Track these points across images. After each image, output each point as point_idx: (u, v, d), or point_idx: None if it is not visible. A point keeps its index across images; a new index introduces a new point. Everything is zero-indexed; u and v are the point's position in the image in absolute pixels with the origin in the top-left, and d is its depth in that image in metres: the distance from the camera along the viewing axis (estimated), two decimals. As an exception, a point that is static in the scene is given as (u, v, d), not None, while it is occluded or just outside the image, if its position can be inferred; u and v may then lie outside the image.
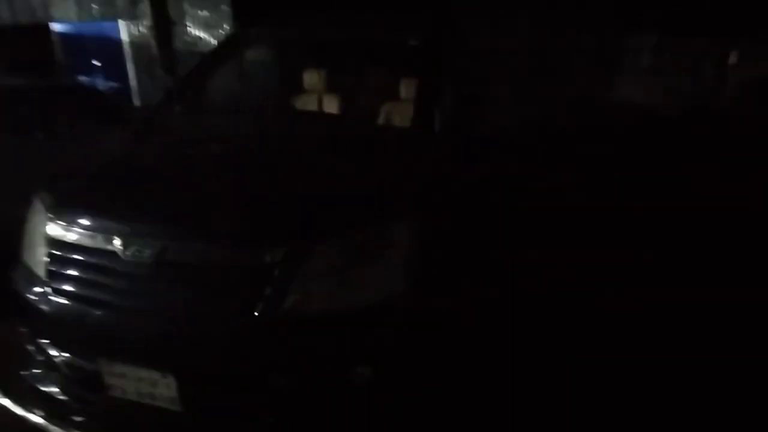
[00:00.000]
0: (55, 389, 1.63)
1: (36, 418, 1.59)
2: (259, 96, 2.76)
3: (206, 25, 6.81)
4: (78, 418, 1.58)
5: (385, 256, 1.47)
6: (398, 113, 2.19)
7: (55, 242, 1.54)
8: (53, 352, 1.60)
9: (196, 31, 6.82)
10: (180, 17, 6.84)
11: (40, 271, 1.55)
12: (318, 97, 2.65)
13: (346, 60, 2.70)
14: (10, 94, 3.78)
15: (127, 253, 1.40)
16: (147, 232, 1.42)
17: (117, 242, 1.42)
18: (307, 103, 2.67)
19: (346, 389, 1.43)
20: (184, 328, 1.36)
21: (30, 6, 7.61)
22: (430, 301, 1.56)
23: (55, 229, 1.54)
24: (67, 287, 1.49)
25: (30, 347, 1.68)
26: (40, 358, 1.65)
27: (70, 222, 1.52)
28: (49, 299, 1.50)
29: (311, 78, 2.65)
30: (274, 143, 1.86)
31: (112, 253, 1.43)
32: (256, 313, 1.33)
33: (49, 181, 1.75)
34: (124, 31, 7.22)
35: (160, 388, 1.43)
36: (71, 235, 1.50)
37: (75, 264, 1.49)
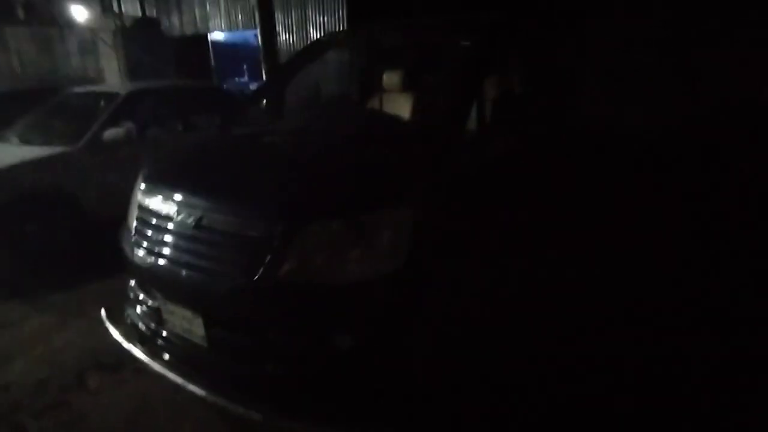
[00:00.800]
0: (140, 322, 2.15)
1: (127, 345, 2.11)
2: (326, 94, 3.07)
3: (326, 30, 7.49)
4: (152, 346, 2.07)
5: (372, 239, 1.65)
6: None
7: (141, 207, 2.03)
8: (139, 294, 2.11)
9: (317, 35, 7.55)
10: (302, 22, 7.66)
11: (132, 229, 2.07)
12: (381, 95, 2.88)
13: (405, 62, 2.88)
14: (156, 93, 4.78)
15: (177, 218, 1.82)
16: (191, 203, 1.81)
17: (172, 208, 1.84)
18: (374, 101, 2.91)
19: (328, 352, 1.65)
20: (206, 281, 1.72)
21: (193, 19, 9.19)
22: (413, 285, 1.69)
23: (141, 197, 2.04)
24: (144, 242, 1.96)
25: (128, 290, 2.22)
26: (133, 297, 2.19)
27: (150, 191, 1.99)
28: (134, 251, 2.00)
29: (380, 77, 2.89)
30: (311, 137, 2.14)
31: (169, 217, 1.85)
32: (255, 277, 1.62)
33: (149, 160, 2.28)
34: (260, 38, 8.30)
35: (194, 326, 1.82)
36: (148, 201, 1.98)
37: (149, 224, 1.96)
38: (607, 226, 2.85)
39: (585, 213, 2.60)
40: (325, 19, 7.37)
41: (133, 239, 2.03)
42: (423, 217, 1.74)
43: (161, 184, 1.97)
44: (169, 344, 1.98)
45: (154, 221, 1.95)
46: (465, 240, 1.85)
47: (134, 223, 2.06)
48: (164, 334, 1.99)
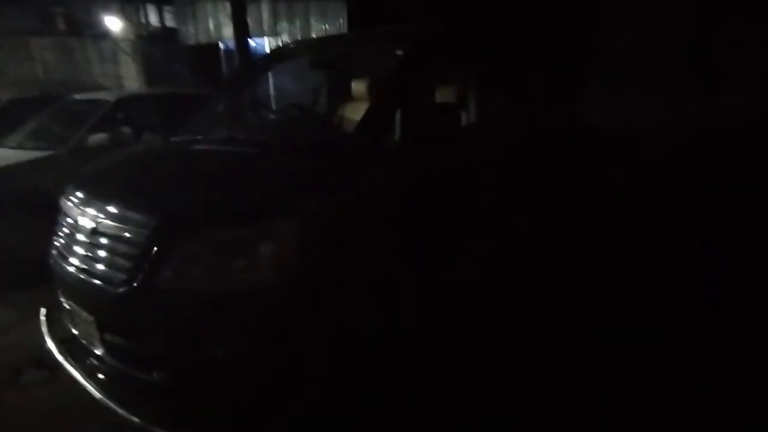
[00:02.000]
0: (67, 325, 2.23)
1: (49, 344, 2.18)
2: (271, 103, 3.11)
3: (329, 37, 7.59)
4: (70, 347, 2.14)
5: (254, 251, 1.65)
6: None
7: (60, 214, 2.12)
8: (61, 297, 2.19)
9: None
10: (306, 30, 7.79)
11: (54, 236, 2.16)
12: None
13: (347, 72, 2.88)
14: (146, 100, 4.97)
15: (79, 224, 1.88)
16: (91, 210, 1.87)
17: (77, 216, 1.91)
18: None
19: (204, 361, 1.66)
20: (98, 286, 1.76)
21: (207, 28, 9.50)
22: (297, 297, 1.68)
23: (61, 204, 2.12)
24: (58, 247, 2.05)
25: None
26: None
27: (66, 199, 2.07)
28: (51, 255, 2.08)
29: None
30: (228, 147, 2.18)
31: (74, 224, 1.93)
32: (135, 284, 1.66)
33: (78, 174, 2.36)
34: (267, 46, 8.50)
35: (92, 330, 1.87)
36: (64, 209, 2.06)
37: (62, 231, 2.04)
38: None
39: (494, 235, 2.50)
40: (327, 26, 7.47)
41: (52, 244, 2.12)
42: (314, 229, 1.74)
43: (73, 193, 2.04)
44: (80, 346, 2.05)
45: (65, 228, 2.03)
46: (361, 254, 1.83)
47: (55, 229, 2.15)
48: (76, 334, 2.06)
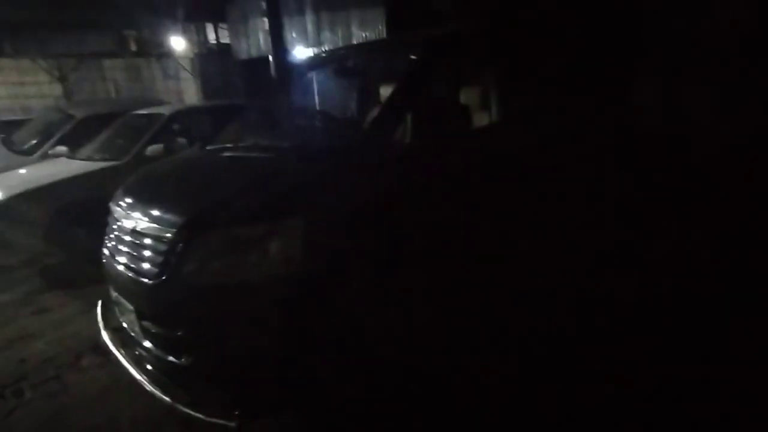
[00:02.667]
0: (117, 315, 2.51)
1: (103, 333, 2.46)
2: (298, 111, 3.28)
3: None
4: (119, 335, 2.41)
5: (264, 247, 1.81)
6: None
7: (110, 217, 2.39)
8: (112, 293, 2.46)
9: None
10: (348, 39, 8.04)
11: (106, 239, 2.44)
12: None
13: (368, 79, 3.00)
14: (197, 112, 5.38)
15: (123, 225, 2.13)
16: (132, 212, 2.11)
17: (122, 217, 2.16)
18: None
19: (224, 347, 1.83)
20: (136, 279, 1.99)
21: (257, 43, 10.05)
22: (305, 289, 1.81)
23: (111, 208, 2.40)
24: (108, 245, 2.32)
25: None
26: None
27: (115, 203, 2.34)
28: (103, 253, 2.36)
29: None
30: (250, 154, 2.37)
31: (120, 225, 2.18)
32: (164, 277, 1.86)
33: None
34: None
35: (133, 318, 2.11)
36: (114, 212, 2.33)
37: (111, 231, 2.31)
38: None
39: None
40: (367, 34, 7.68)
41: (104, 243, 2.40)
42: (322, 228, 1.87)
43: (120, 198, 2.31)
44: (126, 334, 2.31)
45: (113, 229, 2.29)
46: (368, 252, 1.93)
47: (106, 231, 2.43)
48: (124, 324, 2.32)
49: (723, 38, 3.84)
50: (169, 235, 1.89)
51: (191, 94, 10.98)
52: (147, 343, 2.07)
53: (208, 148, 2.73)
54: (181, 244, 1.84)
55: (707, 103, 3.86)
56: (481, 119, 2.60)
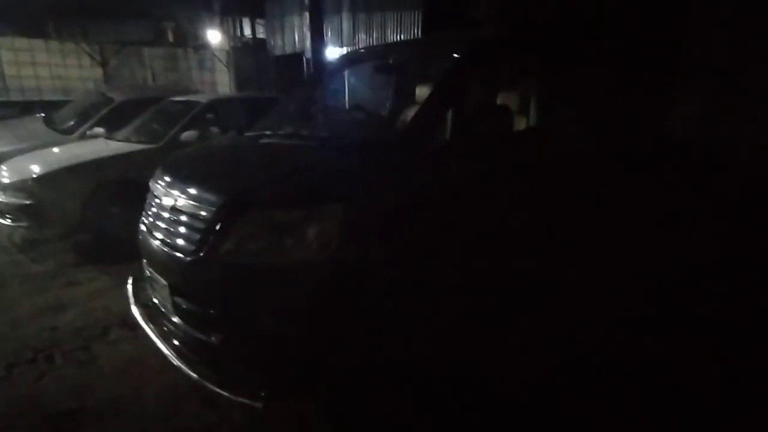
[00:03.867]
0: (147, 290, 2.56)
1: (133, 308, 2.52)
2: (336, 104, 3.31)
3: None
4: (148, 310, 2.46)
5: (302, 231, 1.83)
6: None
7: (149, 194, 2.45)
8: (144, 266, 2.52)
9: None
10: (383, 41, 8.08)
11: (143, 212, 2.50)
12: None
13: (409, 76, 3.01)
14: (232, 102, 5.48)
15: (162, 201, 2.18)
16: (172, 189, 2.16)
17: (162, 194, 2.21)
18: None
19: (257, 328, 1.85)
20: (172, 255, 2.03)
21: (293, 40, 10.20)
22: (339, 274, 1.83)
23: (151, 186, 2.46)
24: (145, 221, 2.37)
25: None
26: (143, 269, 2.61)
27: (155, 181, 2.39)
28: (139, 228, 2.42)
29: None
30: (289, 142, 2.40)
31: (159, 202, 2.23)
32: (201, 254, 1.90)
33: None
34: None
35: (165, 294, 2.15)
36: (153, 189, 2.38)
37: (150, 207, 2.36)
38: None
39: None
40: (402, 36, 7.71)
41: (141, 219, 2.46)
42: (357, 217, 1.88)
43: (160, 175, 2.36)
44: (156, 309, 2.35)
45: (152, 206, 2.34)
46: (398, 241, 1.93)
47: (144, 207, 2.49)
48: (155, 300, 2.37)
49: None
50: (208, 213, 1.92)
51: (225, 85, 11.21)
52: (177, 320, 2.11)
53: (246, 134, 2.78)
54: (220, 223, 1.87)
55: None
56: (519, 122, 2.58)
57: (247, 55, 11.06)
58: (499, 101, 2.65)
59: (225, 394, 1.87)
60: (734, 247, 3.23)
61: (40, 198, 4.03)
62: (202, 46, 11.73)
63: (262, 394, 1.82)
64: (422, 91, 2.85)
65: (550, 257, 2.44)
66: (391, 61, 2.99)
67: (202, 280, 1.94)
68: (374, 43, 8.16)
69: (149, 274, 2.35)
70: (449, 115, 2.28)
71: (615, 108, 3.16)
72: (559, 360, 2.35)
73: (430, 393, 2.12)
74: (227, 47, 11.52)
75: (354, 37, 8.67)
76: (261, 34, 12.20)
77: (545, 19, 4.90)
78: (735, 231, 3.42)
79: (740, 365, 2.31)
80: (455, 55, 2.50)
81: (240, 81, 10.94)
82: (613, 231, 2.75)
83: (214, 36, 12.60)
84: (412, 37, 7.48)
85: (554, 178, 2.50)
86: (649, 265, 2.90)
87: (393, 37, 7.89)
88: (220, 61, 11.05)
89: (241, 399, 1.82)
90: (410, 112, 2.77)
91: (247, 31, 12.68)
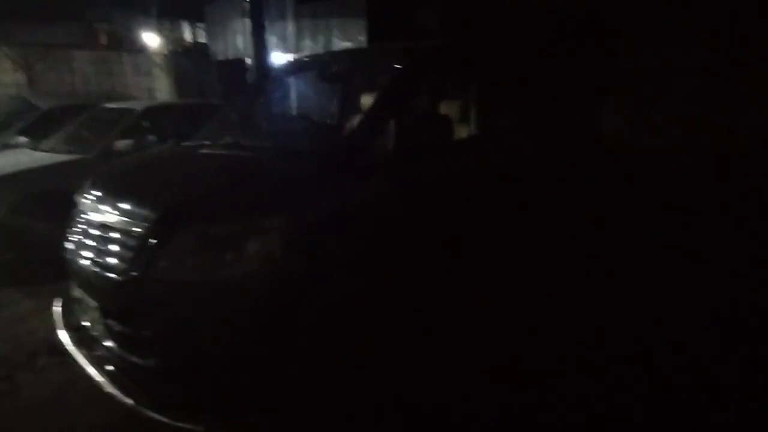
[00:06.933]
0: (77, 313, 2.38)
1: (59, 331, 2.33)
2: (279, 113, 3.28)
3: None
4: (78, 334, 2.29)
5: (238, 245, 1.78)
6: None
7: (76, 211, 2.29)
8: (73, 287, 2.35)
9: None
10: (329, 48, 8.07)
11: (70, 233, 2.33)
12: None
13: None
14: (169, 109, 5.26)
15: (89, 218, 2.05)
16: (99, 205, 2.04)
17: (89, 210, 2.08)
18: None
19: (195, 343, 1.78)
20: (103, 274, 1.91)
21: (235, 44, 9.94)
22: (279, 287, 1.79)
23: (77, 202, 2.30)
24: (71, 239, 2.21)
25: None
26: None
27: (81, 198, 2.24)
28: (66, 247, 2.25)
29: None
30: (227, 152, 2.33)
31: (86, 218, 2.09)
32: (134, 273, 1.80)
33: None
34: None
35: (96, 316, 2.02)
36: (80, 206, 2.23)
37: (76, 225, 2.21)
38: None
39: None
40: (348, 44, 7.72)
41: (67, 239, 2.30)
42: (299, 229, 1.85)
43: (87, 191, 2.22)
44: (86, 333, 2.20)
45: (79, 222, 2.19)
46: (341, 252, 1.92)
47: (71, 224, 2.32)
48: (85, 323, 2.21)
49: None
50: (142, 229, 1.83)
51: (163, 91, 10.71)
52: (109, 343, 1.99)
53: (183, 144, 2.67)
54: (154, 240, 1.78)
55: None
56: (461, 131, 2.66)
57: (186, 60, 10.64)
58: (441, 110, 2.71)
59: (164, 419, 1.78)
60: (659, 244, 3.49)
61: (-49, 217, 3.67)
62: (139, 50, 11.17)
63: (204, 416, 1.75)
64: (366, 100, 2.87)
65: (490, 262, 2.52)
66: (335, 70, 2.99)
67: (136, 301, 1.84)
68: (320, 50, 8.12)
69: (78, 296, 2.20)
70: (391, 124, 2.32)
71: (550, 115, 3.33)
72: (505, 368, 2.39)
73: (381, 407, 2.11)
74: (165, 51, 11.04)
75: (299, 44, 8.58)
76: (202, 38, 11.80)
77: (486, 30, 5.10)
78: (659, 229, 3.71)
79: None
80: (397, 66, 2.55)
81: (180, 87, 10.50)
82: (546, 233, 2.88)
83: (151, 39, 12.04)
84: (357, 44, 7.52)
85: (491, 183, 2.59)
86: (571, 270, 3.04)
87: (339, 44, 7.89)
88: (158, 65, 10.56)
89: (181, 424, 1.74)
90: (354, 122, 2.78)
91: (187, 35, 12.23)
